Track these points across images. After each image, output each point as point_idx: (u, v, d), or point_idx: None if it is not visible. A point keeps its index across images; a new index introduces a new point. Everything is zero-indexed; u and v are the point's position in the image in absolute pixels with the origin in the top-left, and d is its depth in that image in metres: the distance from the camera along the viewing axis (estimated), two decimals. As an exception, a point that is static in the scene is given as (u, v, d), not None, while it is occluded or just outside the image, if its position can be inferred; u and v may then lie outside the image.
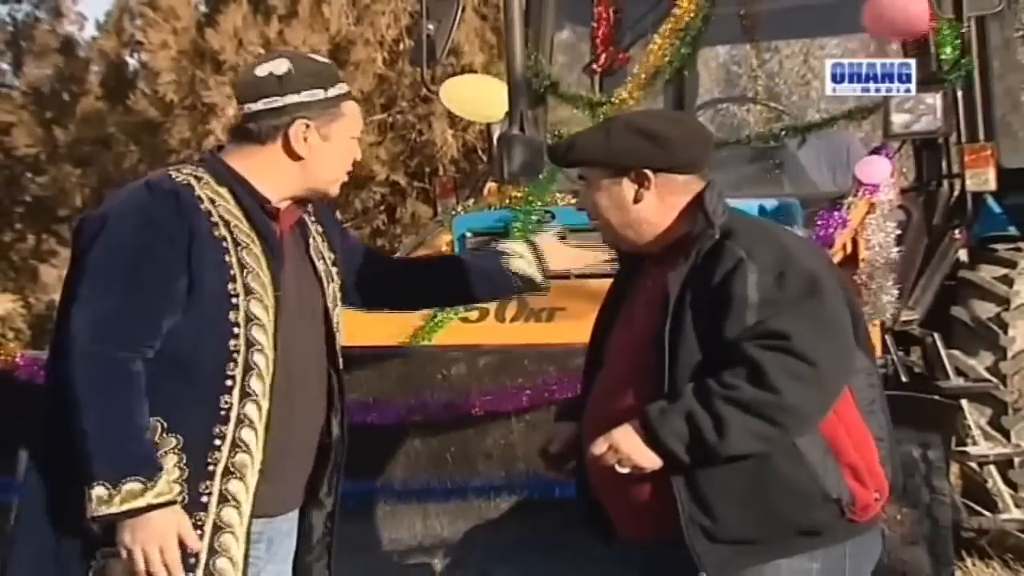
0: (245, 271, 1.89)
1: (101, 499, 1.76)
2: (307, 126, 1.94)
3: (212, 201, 1.92)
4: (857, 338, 1.86)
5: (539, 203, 3.60)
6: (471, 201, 4.09)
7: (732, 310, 1.76)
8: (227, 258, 1.88)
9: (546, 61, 4.61)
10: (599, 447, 1.79)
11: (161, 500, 1.79)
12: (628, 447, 1.76)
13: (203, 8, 10.01)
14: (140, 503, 1.77)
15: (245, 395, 1.87)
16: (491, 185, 4.08)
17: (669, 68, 4.15)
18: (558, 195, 3.72)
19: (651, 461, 1.76)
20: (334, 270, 2.08)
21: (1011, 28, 5.25)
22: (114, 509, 1.77)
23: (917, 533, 2.43)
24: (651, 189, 1.89)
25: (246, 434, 1.88)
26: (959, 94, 3.96)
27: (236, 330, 1.87)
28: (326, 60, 2.06)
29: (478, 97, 4.31)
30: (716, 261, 1.80)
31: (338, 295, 2.07)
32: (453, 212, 3.94)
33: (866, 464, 1.84)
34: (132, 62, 10.53)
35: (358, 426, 2.24)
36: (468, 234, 3.70)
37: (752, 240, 1.82)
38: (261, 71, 1.96)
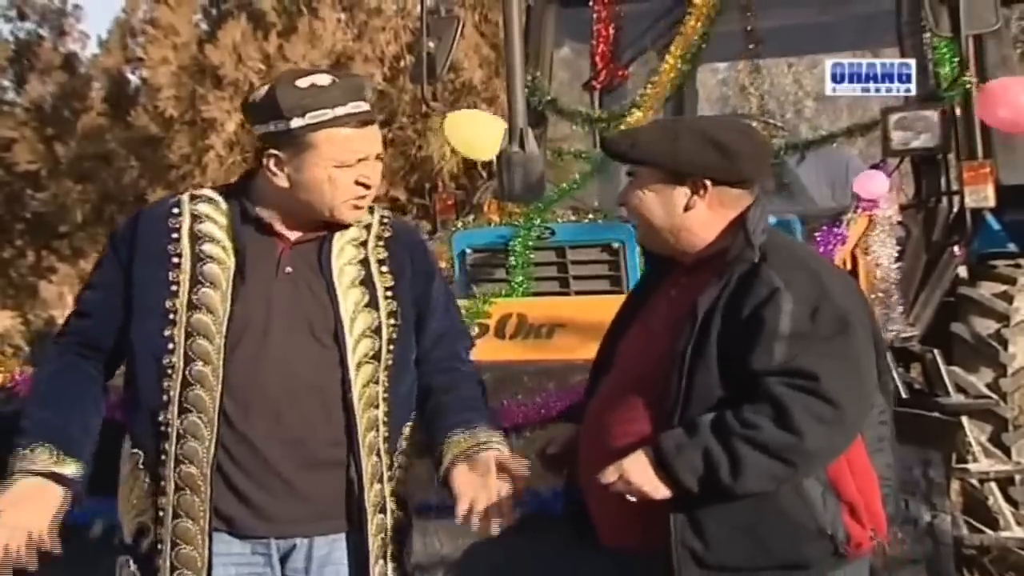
0: (199, 286, 1.89)
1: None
2: (277, 158, 1.90)
3: (196, 217, 1.94)
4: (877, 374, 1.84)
5: (539, 220, 3.60)
6: (471, 217, 4.09)
7: (761, 340, 1.72)
8: (172, 274, 1.90)
9: (545, 78, 4.63)
10: (610, 475, 1.76)
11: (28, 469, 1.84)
12: (640, 479, 1.74)
13: (203, 25, 10.06)
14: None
15: (184, 410, 1.87)
16: (491, 202, 4.09)
17: (669, 85, 4.17)
18: (558, 212, 3.72)
19: (662, 493, 1.74)
20: (383, 299, 1.96)
21: (1008, 46, 5.26)
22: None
23: (918, 551, 2.42)
24: (704, 199, 1.85)
25: (190, 448, 1.87)
26: (958, 111, 3.98)
27: (172, 345, 1.88)
28: (314, 84, 1.89)
29: (477, 136, 4.33)
30: (750, 287, 1.76)
31: (382, 323, 1.95)
32: (453, 228, 3.94)
33: (866, 503, 1.82)
34: (133, 79, 10.59)
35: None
36: (468, 250, 3.70)
37: (789, 269, 1.78)
38: (251, 95, 1.94)
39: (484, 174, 7.75)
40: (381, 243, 2.02)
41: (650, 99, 4.11)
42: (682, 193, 1.85)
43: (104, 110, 10.30)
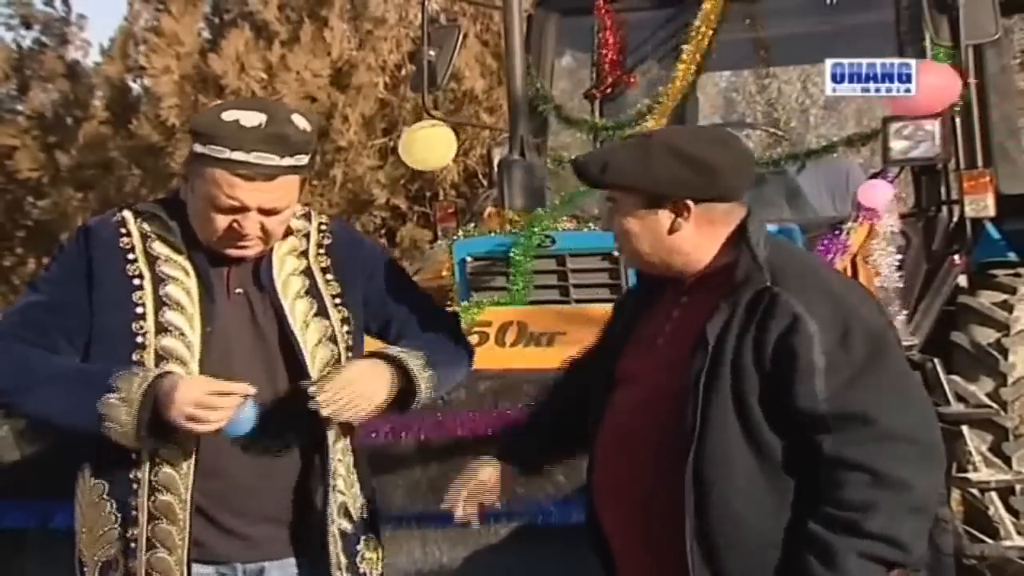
0: (164, 307, 1.85)
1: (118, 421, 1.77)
2: (185, 176, 1.89)
3: (145, 236, 1.90)
4: None
5: (539, 228, 3.61)
6: (472, 226, 4.10)
7: (798, 376, 1.62)
8: (135, 296, 1.85)
9: (548, 86, 4.64)
10: None
11: (155, 374, 1.79)
12: None
13: (206, 34, 10.09)
14: (140, 389, 1.78)
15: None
16: (491, 210, 4.10)
17: (679, 93, 4.18)
18: (558, 220, 3.73)
19: None
20: (332, 307, 1.93)
21: (1008, 55, 5.27)
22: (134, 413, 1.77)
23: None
24: (690, 220, 1.74)
25: (165, 476, 1.83)
26: (957, 121, 3.98)
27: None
28: (237, 121, 1.80)
29: (429, 151, 4.36)
30: (768, 315, 1.65)
31: (336, 331, 1.92)
32: (454, 237, 3.95)
33: None
34: (135, 87, 10.61)
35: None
36: (468, 259, 3.71)
37: (805, 291, 1.67)
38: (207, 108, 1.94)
39: (485, 182, 7.76)
40: (322, 251, 1.98)
41: (663, 107, 4.11)
42: (665, 216, 1.75)
43: (106, 118, 10.31)
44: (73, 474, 1.94)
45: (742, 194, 1.79)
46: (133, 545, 1.84)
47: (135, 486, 1.84)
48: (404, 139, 4.53)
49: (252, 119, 1.81)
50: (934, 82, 3.64)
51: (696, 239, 1.76)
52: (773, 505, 1.65)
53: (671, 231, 1.76)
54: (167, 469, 1.83)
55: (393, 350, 1.93)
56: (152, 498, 1.83)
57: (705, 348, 1.67)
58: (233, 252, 1.89)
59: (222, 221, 1.84)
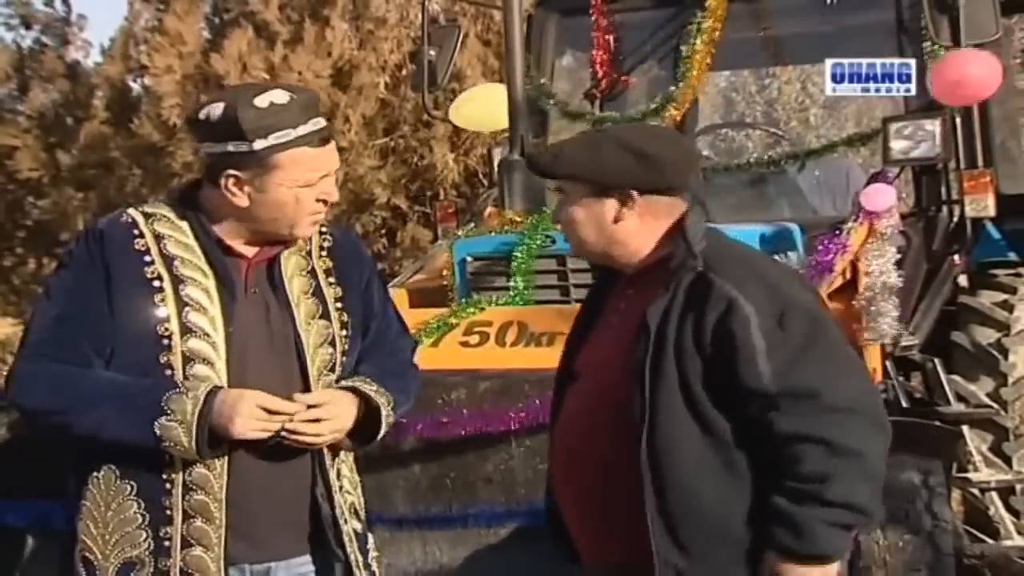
0: (186, 308, 1.85)
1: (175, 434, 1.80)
2: (236, 178, 1.85)
3: (158, 238, 1.90)
4: None
5: (540, 228, 3.61)
6: (472, 225, 4.10)
7: (740, 358, 1.69)
8: (157, 298, 1.85)
9: (549, 85, 4.65)
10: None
11: (204, 392, 1.81)
12: None
13: (206, 34, 10.09)
14: (195, 412, 1.80)
15: None
16: (491, 210, 4.10)
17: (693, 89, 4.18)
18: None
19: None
20: (334, 310, 1.97)
21: (1008, 55, 5.28)
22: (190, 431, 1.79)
23: (919, 560, 2.42)
24: (634, 210, 1.82)
25: (200, 476, 1.84)
26: (958, 120, 3.98)
27: (169, 372, 1.84)
28: (273, 102, 1.84)
29: (484, 111, 4.37)
30: (703, 299, 1.73)
31: (335, 334, 1.95)
32: (454, 236, 3.95)
33: None
34: (136, 87, 10.61)
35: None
36: (469, 259, 3.71)
37: (739, 276, 1.75)
38: (202, 112, 1.88)
39: (485, 182, 7.77)
40: (324, 252, 2.01)
41: (683, 99, 4.10)
42: (610, 206, 1.83)
43: (106, 118, 10.31)
44: (75, 474, 1.93)
45: (686, 188, 1.87)
46: (167, 544, 1.85)
47: (168, 486, 1.85)
48: (458, 100, 4.52)
49: (281, 96, 1.86)
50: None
51: (638, 230, 1.84)
52: (727, 480, 1.73)
53: (615, 220, 1.84)
54: (201, 469, 1.85)
55: (370, 391, 1.94)
56: (187, 497, 1.85)
57: (647, 333, 1.74)
58: (310, 229, 1.93)
59: (311, 198, 1.88)
